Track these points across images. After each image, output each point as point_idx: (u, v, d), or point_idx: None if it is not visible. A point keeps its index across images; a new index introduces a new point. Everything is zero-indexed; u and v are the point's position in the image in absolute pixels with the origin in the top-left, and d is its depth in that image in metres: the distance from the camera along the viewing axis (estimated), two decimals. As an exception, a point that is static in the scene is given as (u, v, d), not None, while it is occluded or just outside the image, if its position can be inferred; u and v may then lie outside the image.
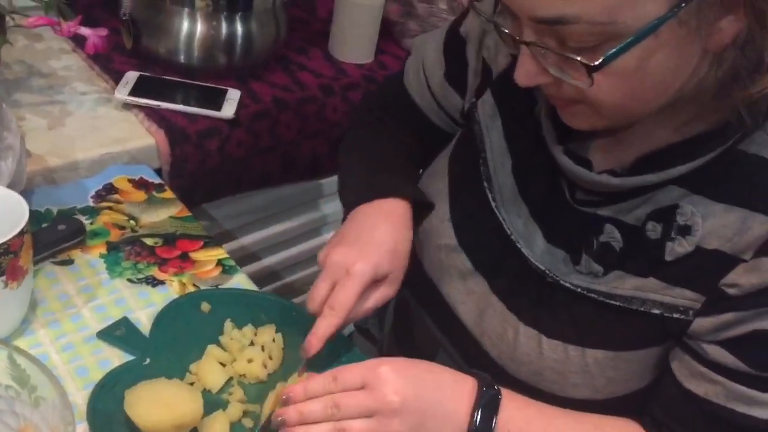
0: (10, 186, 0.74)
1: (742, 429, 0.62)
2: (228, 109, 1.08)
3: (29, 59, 1.12)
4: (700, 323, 0.62)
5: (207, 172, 1.08)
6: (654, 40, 0.52)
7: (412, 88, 0.87)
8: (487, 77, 0.77)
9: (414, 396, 0.61)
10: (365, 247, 0.70)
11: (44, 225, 0.83)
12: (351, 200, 0.78)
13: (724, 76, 0.57)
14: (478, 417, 0.62)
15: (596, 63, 0.53)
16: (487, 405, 0.62)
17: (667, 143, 0.63)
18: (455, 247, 0.75)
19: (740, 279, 0.59)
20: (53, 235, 0.81)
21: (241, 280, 0.83)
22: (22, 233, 0.66)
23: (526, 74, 0.58)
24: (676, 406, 0.65)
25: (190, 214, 0.92)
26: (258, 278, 1.33)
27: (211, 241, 0.88)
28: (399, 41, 1.40)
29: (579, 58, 0.53)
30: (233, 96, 1.11)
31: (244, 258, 1.29)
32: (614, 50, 0.52)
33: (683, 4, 0.51)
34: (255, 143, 1.12)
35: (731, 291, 0.60)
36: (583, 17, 0.51)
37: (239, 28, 1.14)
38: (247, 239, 1.28)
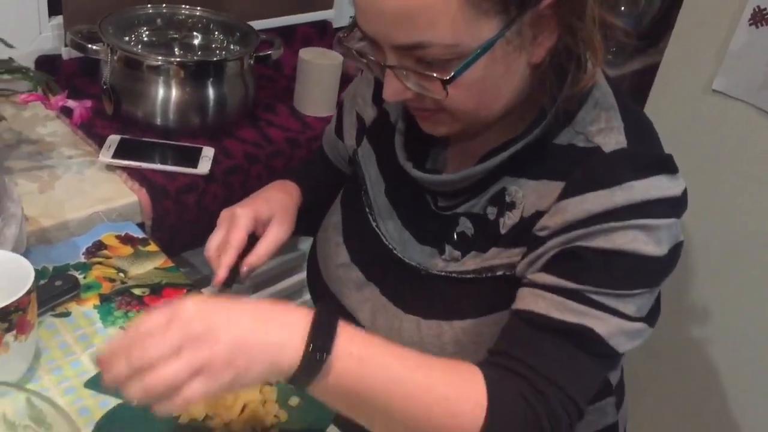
0: (14, 249, 0.84)
1: (578, 336, 0.68)
2: (203, 166, 1.19)
3: (17, 127, 1.22)
4: (522, 263, 0.74)
5: (186, 224, 1.18)
6: (491, 55, 0.67)
7: (325, 143, 1.06)
8: (362, 126, 0.93)
9: (227, 323, 0.58)
10: (246, 201, 0.92)
11: (42, 282, 0.92)
12: None
13: (540, 82, 0.72)
14: (316, 341, 0.60)
15: (448, 77, 0.66)
16: (325, 330, 0.61)
17: (498, 144, 0.77)
18: (349, 265, 0.89)
19: (548, 222, 0.72)
20: (51, 291, 0.90)
21: (221, 323, 0.93)
22: (29, 292, 0.75)
23: (393, 92, 0.71)
24: (514, 331, 0.72)
25: (173, 264, 1.02)
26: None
27: (193, 288, 0.98)
28: (358, 93, 1.52)
29: (435, 75, 0.67)
30: (208, 153, 1.22)
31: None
32: (461, 66, 0.66)
33: (509, 26, 0.65)
34: (229, 196, 1.23)
35: (542, 233, 0.73)
36: (435, 41, 0.65)
37: (211, 92, 1.25)
38: (225, 283, 1.37)
